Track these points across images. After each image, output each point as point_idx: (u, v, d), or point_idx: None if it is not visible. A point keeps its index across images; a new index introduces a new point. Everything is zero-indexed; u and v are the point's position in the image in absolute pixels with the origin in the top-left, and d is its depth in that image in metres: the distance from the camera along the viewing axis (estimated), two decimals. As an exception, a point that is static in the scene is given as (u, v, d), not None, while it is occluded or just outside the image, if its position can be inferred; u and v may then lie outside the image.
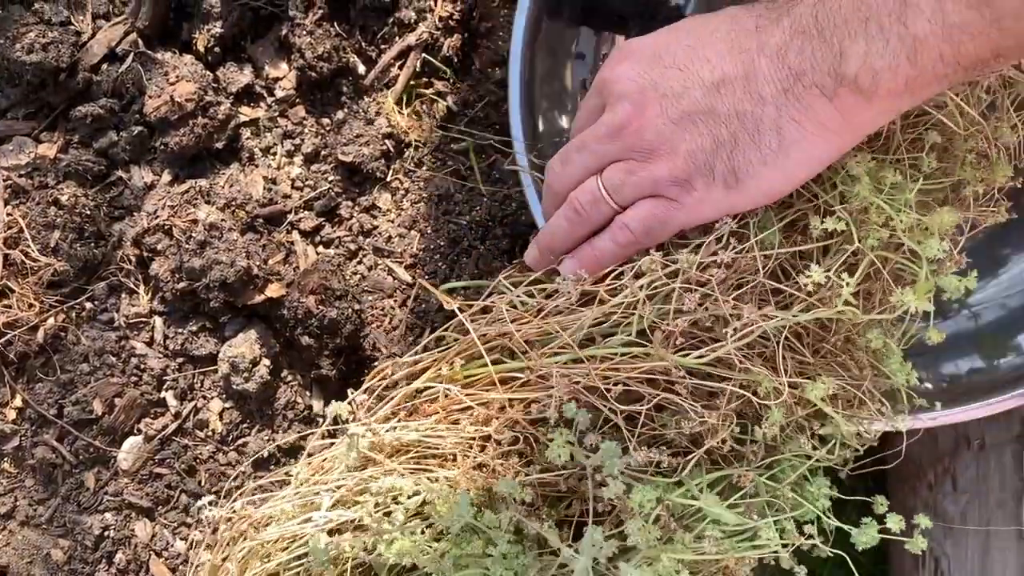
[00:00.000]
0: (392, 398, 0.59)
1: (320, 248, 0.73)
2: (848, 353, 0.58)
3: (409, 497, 0.55)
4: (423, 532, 0.54)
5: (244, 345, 0.67)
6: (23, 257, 0.67)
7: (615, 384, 0.52)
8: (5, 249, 0.67)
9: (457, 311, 0.58)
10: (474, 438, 0.56)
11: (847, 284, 0.50)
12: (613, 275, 0.55)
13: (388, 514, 0.55)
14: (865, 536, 0.55)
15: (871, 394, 0.57)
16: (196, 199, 0.69)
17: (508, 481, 0.51)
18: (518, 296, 0.58)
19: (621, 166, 0.52)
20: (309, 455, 0.62)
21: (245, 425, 0.69)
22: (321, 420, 0.70)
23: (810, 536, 0.55)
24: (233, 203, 0.70)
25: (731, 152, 0.49)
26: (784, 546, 0.54)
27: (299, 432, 0.70)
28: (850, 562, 0.55)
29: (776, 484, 0.57)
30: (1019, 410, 0.70)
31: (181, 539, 0.68)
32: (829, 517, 0.56)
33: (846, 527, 0.55)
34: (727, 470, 0.55)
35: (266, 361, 0.68)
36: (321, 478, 0.60)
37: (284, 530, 0.57)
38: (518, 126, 0.65)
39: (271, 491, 0.61)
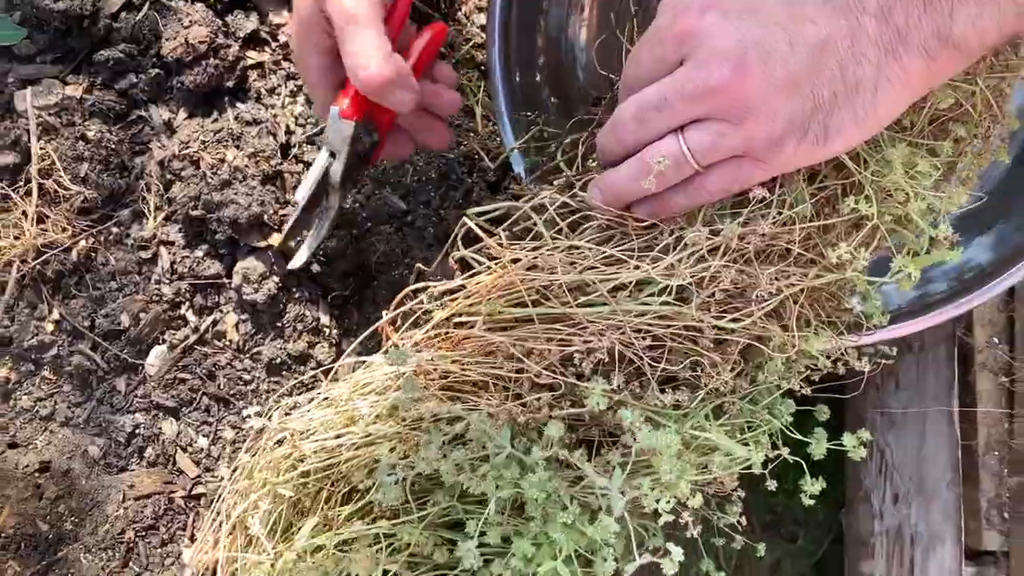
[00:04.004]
0: (428, 323, 0.62)
1: (322, 179, 0.81)
2: (834, 300, 0.65)
3: (449, 423, 0.59)
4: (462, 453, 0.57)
5: (256, 261, 0.74)
6: (56, 186, 0.75)
7: (645, 336, 0.56)
8: (40, 179, 0.74)
9: (494, 246, 0.59)
10: (507, 372, 0.59)
11: (864, 258, 0.57)
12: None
13: (426, 432, 0.58)
14: (818, 448, 0.63)
15: (844, 324, 0.65)
16: (227, 140, 0.76)
17: (556, 424, 0.56)
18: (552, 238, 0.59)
19: (711, 128, 0.50)
20: (335, 377, 0.67)
21: (259, 335, 0.77)
22: (327, 331, 0.78)
23: (776, 446, 0.63)
24: (260, 154, 0.77)
25: (828, 113, 0.48)
26: (764, 462, 0.62)
27: (308, 342, 0.78)
28: (805, 466, 0.63)
29: (754, 407, 0.65)
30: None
31: (204, 436, 0.76)
32: (792, 431, 0.64)
33: (805, 439, 0.63)
34: (721, 399, 0.62)
35: (275, 278, 0.75)
36: (360, 394, 0.63)
37: (323, 442, 0.62)
38: (498, 68, 0.72)
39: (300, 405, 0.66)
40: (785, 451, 0.63)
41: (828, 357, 0.63)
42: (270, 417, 0.64)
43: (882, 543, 0.78)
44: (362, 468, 0.61)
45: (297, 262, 0.72)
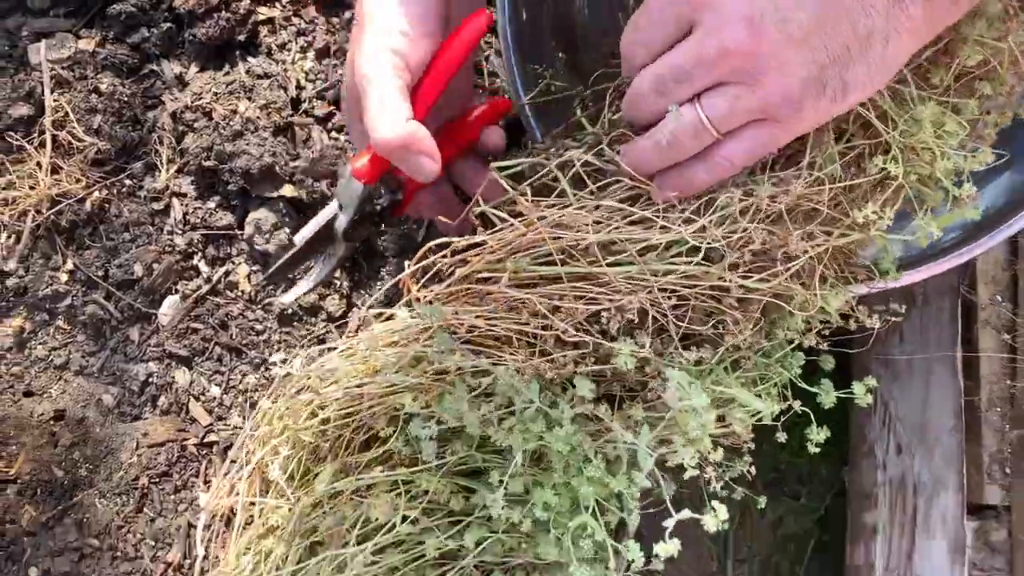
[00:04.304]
0: (450, 278, 0.62)
1: (333, 134, 0.82)
2: (849, 255, 0.65)
3: (474, 376, 0.59)
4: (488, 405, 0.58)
5: (268, 212, 0.75)
6: (70, 138, 0.75)
7: (671, 295, 0.57)
8: (53, 131, 0.75)
9: (522, 202, 0.59)
10: (532, 328, 0.59)
11: (889, 217, 0.58)
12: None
13: (451, 384, 0.59)
14: (827, 397, 0.64)
15: (856, 278, 0.66)
16: (239, 92, 0.77)
17: (585, 382, 0.57)
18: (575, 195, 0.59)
19: (728, 93, 0.50)
20: (359, 326, 0.68)
21: (270, 287, 0.78)
22: (337, 283, 0.79)
23: (787, 398, 0.64)
24: (272, 105, 0.77)
25: (844, 67, 0.48)
26: (777, 416, 0.63)
27: (319, 294, 0.78)
28: (812, 417, 0.65)
29: (767, 360, 0.66)
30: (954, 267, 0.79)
31: (216, 385, 0.77)
32: (800, 382, 0.65)
33: (813, 391, 0.64)
34: (738, 354, 0.63)
35: (287, 229, 0.76)
36: (384, 344, 0.63)
37: (346, 390, 0.62)
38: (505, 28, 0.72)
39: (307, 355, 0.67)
40: (796, 404, 0.64)
41: (841, 313, 0.64)
42: (292, 364, 0.65)
43: (885, 493, 0.79)
44: (383, 416, 0.62)
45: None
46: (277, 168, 0.75)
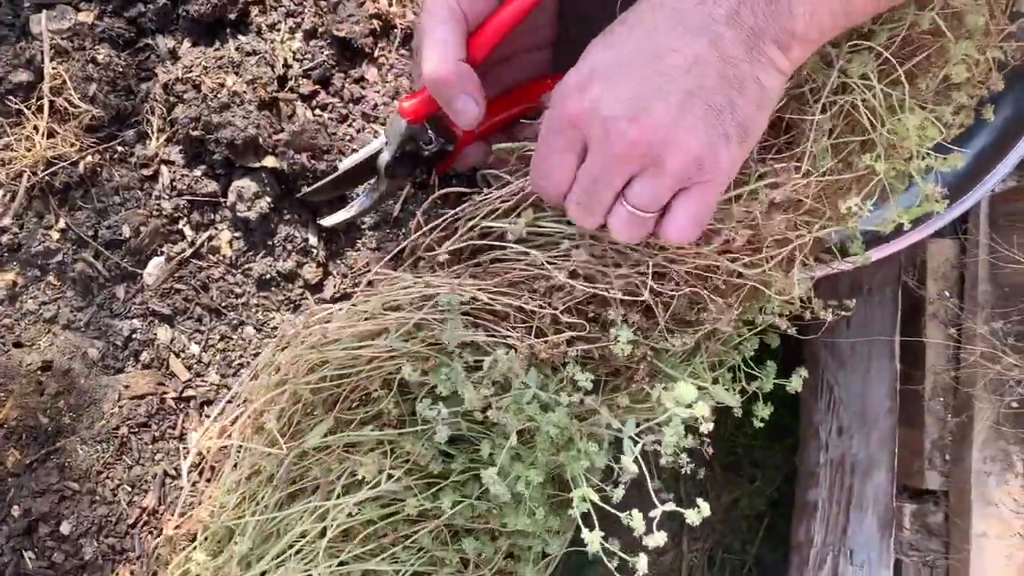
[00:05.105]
0: (458, 234, 0.66)
1: (316, 111, 0.86)
2: (820, 241, 0.70)
3: (474, 350, 0.63)
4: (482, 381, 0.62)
5: (250, 181, 0.80)
6: (66, 104, 0.80)
7: (663, 274, 0.61)
8: (51, 96, 0.80)
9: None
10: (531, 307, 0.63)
11: (868, 209, 0.63)
12: None
13: (448, 356, 0.63)
14: (766, 382, 0.69)
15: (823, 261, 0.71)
16: (227, 67, 0.81)
17: (582, 373, 0.61)
18: None
19: (643, 180, 0.53)
20: (370, 283, 0.71)
21: (251, 252, 0.82)
22: (315, 251, 0.83)
23: (736, 379, 0.68)
24: (258, 81, 0.82)
25: (732, 111, 0.52)
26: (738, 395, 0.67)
27: (296, 261, 0.83)
28: (761, 398, 0.69)
29: (725, 347, 0.70)
30: (898, 259, 0.83)
31: (196, 343, 0.81)
32: (752, 368, 0.70)
33: (758, 373, 0.69)
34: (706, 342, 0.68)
35: (267, 198, 0.80)
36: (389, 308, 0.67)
37: (346, 350, 0.66)
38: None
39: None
40: (756, 385, 0.69)
41: (802, 302, 0.68)
42: (296, 322, 0.68)
43: (826, 472, 0.83)
44: (378, 379, 0.66)
45: (331, 221, 0.77)
46: (261, 140, 0.79)
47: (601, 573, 1.01)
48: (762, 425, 0.69)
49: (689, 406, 0.58)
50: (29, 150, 0.79)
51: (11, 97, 0.80)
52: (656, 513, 0.57)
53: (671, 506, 0.57)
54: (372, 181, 0.73)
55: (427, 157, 0.69)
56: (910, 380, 0.89)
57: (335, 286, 0.84)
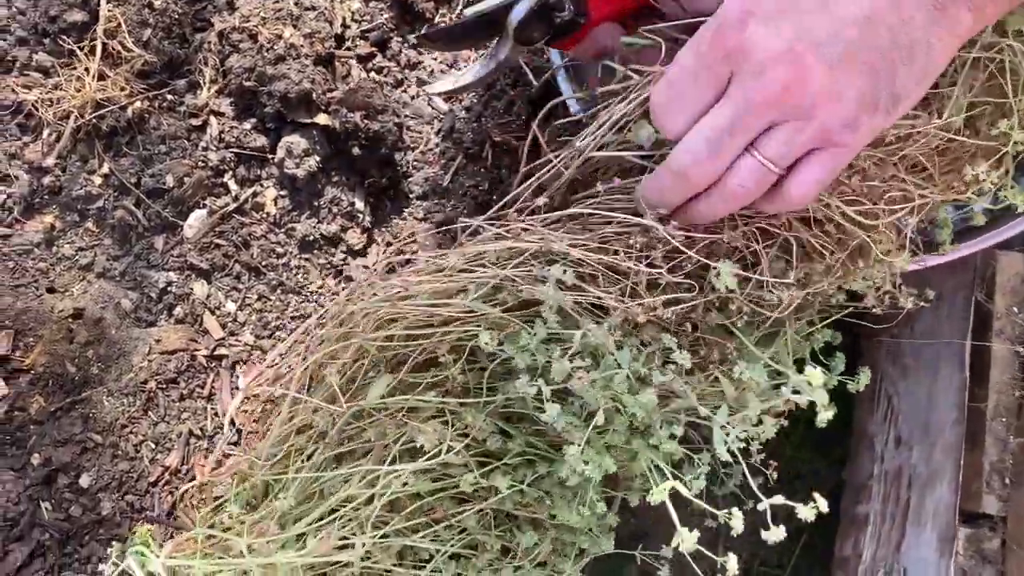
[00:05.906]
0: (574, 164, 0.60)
1: (372, 74, 0.83)
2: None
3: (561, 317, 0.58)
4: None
5: (300, 138, 0.77)
6: (119, 48, 0.78)
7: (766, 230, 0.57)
8: (104, 39, 0.78)
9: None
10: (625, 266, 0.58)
11: (993, 181, 0.59)
12: None
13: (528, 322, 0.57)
14: (832, 376, 0.64)
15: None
16: (286, 19, 0.79)
17: (681, 353, 0.56)
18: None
19: (784, 131, 0.49)
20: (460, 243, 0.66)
21: (295, 212, 0.80)
22: (360, 216, 0.81)
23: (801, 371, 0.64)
24: (316, 35, 0.79)
25: (891, 79, 0.48)
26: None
27: (341, 225, 0.80)
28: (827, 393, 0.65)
29: (798, 337, 0.66)
30: (973, 265, 0.79)
31: (232, 301, 0.79)
32: (819, 358, 0.65)
33: (828, 364, 0.64)
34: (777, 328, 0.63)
35: (316, 157, 0.78)
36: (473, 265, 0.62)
37: (425, 308, 0.60)
38: None
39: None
40: (819, 371, 0.64)
41: (877, 289, 0.64)
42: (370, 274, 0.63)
43: (880, 485, 0.79)
44: (447, 343, 0.60)
45: (438, 88, 0.69)
46: (314, 95, 0.77)
47: (637, 574, 0.96)
48: (824, 426, 0.64)
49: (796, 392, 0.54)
50: (78, 91, 0.77)
51: (64, 37, 0.78)
52: (764, 506, 0.53)
53: (780, 498, 0.52)
54: (491, 46, 0.63)
55: (559, 24, 0.61)
56: (973, 398, 0.84)
57: (378, 253, 0.81)
